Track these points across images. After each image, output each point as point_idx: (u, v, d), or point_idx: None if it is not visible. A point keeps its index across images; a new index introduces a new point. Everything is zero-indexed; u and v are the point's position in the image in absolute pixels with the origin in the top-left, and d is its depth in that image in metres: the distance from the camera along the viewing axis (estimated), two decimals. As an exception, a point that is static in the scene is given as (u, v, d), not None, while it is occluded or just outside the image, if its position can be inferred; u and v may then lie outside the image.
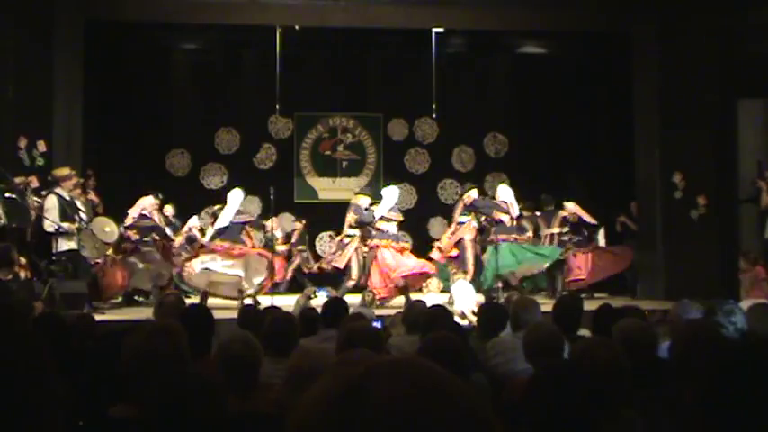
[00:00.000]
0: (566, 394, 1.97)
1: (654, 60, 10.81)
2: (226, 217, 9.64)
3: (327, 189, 13.61)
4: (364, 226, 9.73)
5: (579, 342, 3.16)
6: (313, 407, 0.79)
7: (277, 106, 12.04)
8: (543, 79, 13.12)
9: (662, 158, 10.74)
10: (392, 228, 9.86)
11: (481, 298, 8.63)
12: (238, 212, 9.76)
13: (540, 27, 11.95)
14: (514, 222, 10.34)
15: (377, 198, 10.11)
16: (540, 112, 13.22)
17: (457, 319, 5.81)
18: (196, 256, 9.57)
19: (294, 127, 13.60)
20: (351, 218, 9.85)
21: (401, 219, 10.07)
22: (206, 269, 9.38)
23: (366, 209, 9.80)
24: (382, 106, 13.64)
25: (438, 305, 5.10)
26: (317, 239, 13.34)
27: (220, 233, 9.63)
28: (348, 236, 9.88)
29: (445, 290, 10.11)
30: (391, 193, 10.06)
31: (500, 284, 9.73)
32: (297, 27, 11.53)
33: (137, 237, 10.13)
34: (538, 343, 3.37)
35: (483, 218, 10.25)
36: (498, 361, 4.15)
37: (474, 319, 6.27)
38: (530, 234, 10.84)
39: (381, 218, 9.77)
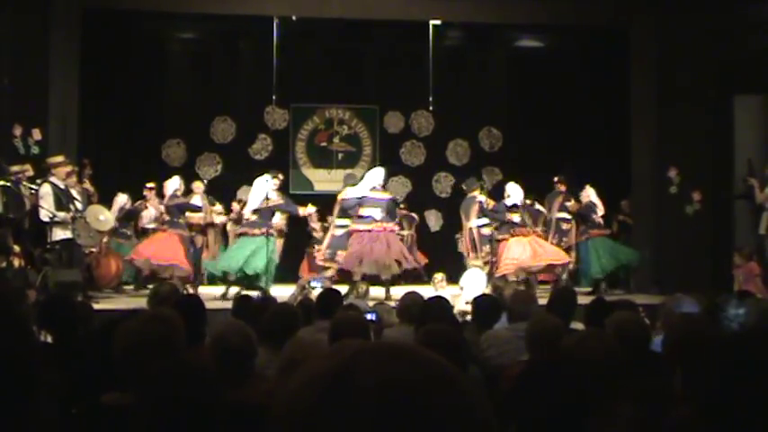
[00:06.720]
0: (558, 385, 1.98)
1: (651, 55, 10.81)
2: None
3: (323, 181, 13.58)
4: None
5: (573, 334, 3.17)
6: (299, 390, 0.78)
7: (273, 97, 12.00)
8: (540, 73, 13.06)
9: (658, 153, 10.73)
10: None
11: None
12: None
13: (538, 21, 11.92)
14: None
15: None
16: (535, 106, 13.17)
17: (462, 307, 5.80)
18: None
19: (290, 118, 13.56)
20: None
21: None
22: None
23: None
24: (379, 98, 13.60)
25: (437, 296, 5.12)
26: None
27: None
28: None
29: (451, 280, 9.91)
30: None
31: None
32: (294, 17, 11.49)
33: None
34: (542, 334, 3.41)
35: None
36: (491, 353, 4.17)
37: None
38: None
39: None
